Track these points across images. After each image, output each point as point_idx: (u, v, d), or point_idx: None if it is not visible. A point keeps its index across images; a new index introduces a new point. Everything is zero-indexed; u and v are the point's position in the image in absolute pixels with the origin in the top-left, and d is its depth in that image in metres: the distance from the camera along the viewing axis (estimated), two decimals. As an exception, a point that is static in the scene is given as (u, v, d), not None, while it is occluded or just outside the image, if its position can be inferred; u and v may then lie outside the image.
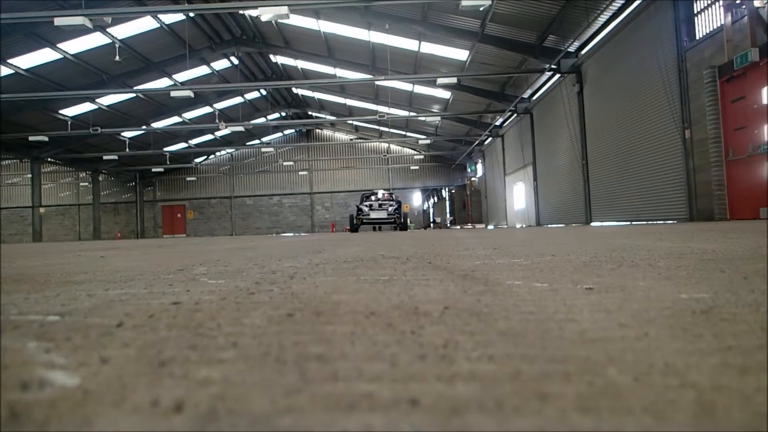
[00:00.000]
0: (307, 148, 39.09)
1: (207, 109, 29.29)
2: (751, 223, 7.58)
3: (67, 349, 0.75)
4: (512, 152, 27.27)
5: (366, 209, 21.16)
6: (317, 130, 40.18)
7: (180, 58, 21.45)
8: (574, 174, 18.50)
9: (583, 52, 17.34)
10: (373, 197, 23.53)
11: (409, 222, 20.69)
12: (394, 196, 23.79)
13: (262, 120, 33.53)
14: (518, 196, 26.96)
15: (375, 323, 0.87)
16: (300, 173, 39.26)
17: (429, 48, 20.18)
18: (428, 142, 31.66)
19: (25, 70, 19.34)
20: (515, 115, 24.51)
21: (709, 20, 11.37)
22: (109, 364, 0.65)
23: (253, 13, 16.56)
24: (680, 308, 0.92)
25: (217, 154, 39.84)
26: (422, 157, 38.83)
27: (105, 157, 31.11)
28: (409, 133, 34.76)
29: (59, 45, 18.29)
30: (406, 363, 0.62)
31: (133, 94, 23.52)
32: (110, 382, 0.57)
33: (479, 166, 35.37)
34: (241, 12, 19.45)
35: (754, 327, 0.76)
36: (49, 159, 30.03)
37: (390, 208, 21.01)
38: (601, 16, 15.26)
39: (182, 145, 34.86)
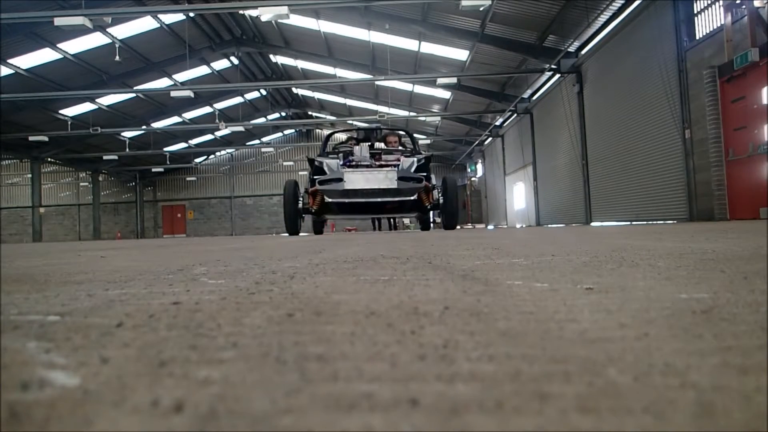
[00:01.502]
0: (307, 148, 39.08)
1: (207, 109, 29.28)
2: (751, 223, 7.58)
3: (67, 349, 0.75)
4: (512, 152, 27.26)
5: (333, 169, 9.01)
6: (317, 130, 40.17)
7: (180, 58, 21.45)
8: (574, 174, 18.50)
9: (583, 52, 17.34)
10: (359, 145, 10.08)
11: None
12: (405, 142, 11.51)
13: (262, 120, 33.53)
14: (518, 196, 26.95)
15: (375, 323, 0.87)
16: (300, 173, 39.24)
17: (429, 48, 20.18)
18: (428, 142, 31.65)
19: (25, 70, 19.34)
20: (515, 115, 24.49)
21: (709, 20, 11.37)
22: (109, 364, 0.65)
23: (253, 13, 16.56)
24: (680, 308, 0.92)
25: (217, 154, 39.84)
26: (422, 157, 38.81)
27: (105, 157, 31.11)
28: (409, 133, 34.74)
29: (59, 45, 18.29)
30: (406, 363, 0.62)
31: (133, 94, 23.52)
32: (110, 382, 0.57)
33: (479, 166, 35.36)
34: (241, 12, 19.45)
35: (754, 327, 0.76)
36: (49, 159, 30.04)
37: (399, 167, 9.25)
38: (601, 16, 15.26)
39: (182, 145, 34.86)
